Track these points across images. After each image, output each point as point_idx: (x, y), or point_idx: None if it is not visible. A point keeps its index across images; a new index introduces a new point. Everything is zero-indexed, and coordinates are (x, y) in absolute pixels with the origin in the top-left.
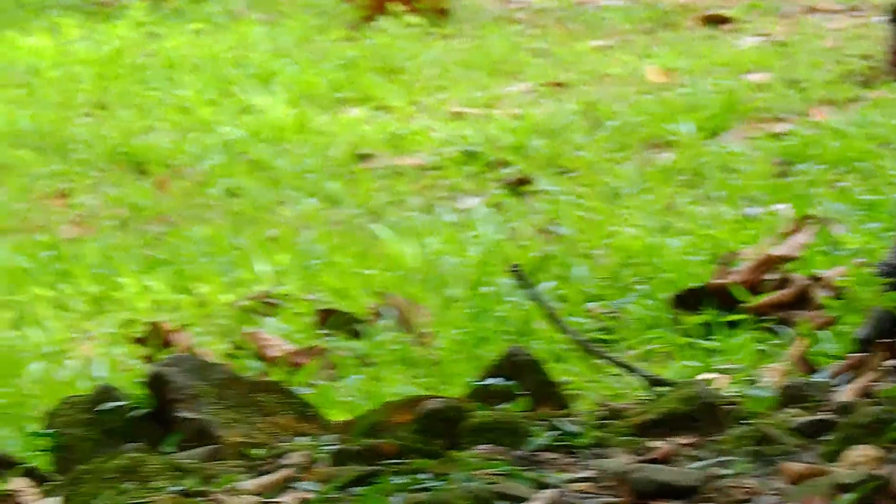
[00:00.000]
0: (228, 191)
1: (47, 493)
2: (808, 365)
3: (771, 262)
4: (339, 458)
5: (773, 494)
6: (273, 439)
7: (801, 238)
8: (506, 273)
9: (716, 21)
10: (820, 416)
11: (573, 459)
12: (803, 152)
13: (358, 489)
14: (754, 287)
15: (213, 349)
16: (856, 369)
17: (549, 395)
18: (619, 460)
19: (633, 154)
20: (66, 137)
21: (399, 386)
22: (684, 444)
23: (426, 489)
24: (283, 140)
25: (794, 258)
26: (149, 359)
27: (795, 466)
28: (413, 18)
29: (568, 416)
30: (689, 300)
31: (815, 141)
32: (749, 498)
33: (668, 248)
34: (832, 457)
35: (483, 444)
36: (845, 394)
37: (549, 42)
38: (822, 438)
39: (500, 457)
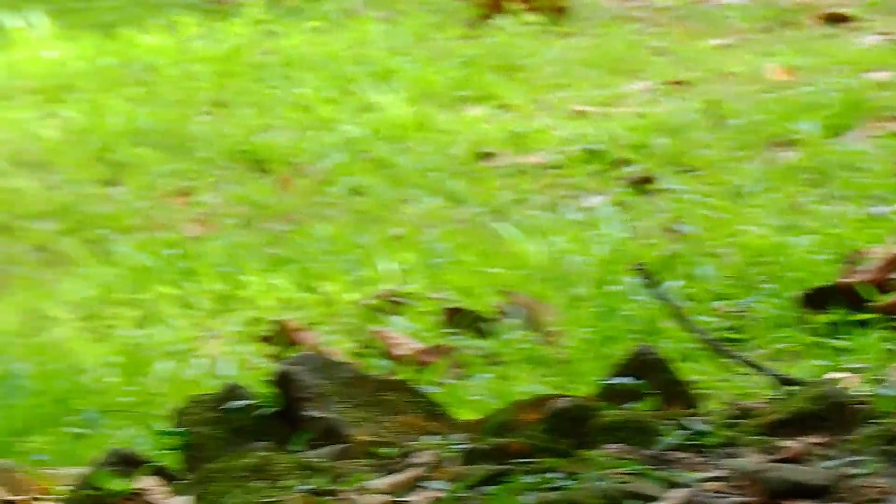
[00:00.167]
0: (351, 189)
1: (176, 492)
2: None
3: None
4: (469, 457)
5: None
6: (401, 438)
7: None
8: (631, 272)
9: (836, 19)
10: None
11: (703, 459)
12: None
13: (488, 488)
14: (882, 286)
15: (339, 348)
16: None
17: (677, 394)
18: (751, 459)
19: (757, 153)
20: (186, 135)
21: (527, 385)
22: (815, 444)
23: (556, 488)
24: (404, 138)
25: None
26: (275, 357)
27: None
28: (531, 17)
29: (697, 415)
30: (816, 299)
31: None
32: (882, 497)
33: (794, 246)
34: None
35: (612, 443)
36: None
37: (669, 40)
38: None
39: (629, 456)
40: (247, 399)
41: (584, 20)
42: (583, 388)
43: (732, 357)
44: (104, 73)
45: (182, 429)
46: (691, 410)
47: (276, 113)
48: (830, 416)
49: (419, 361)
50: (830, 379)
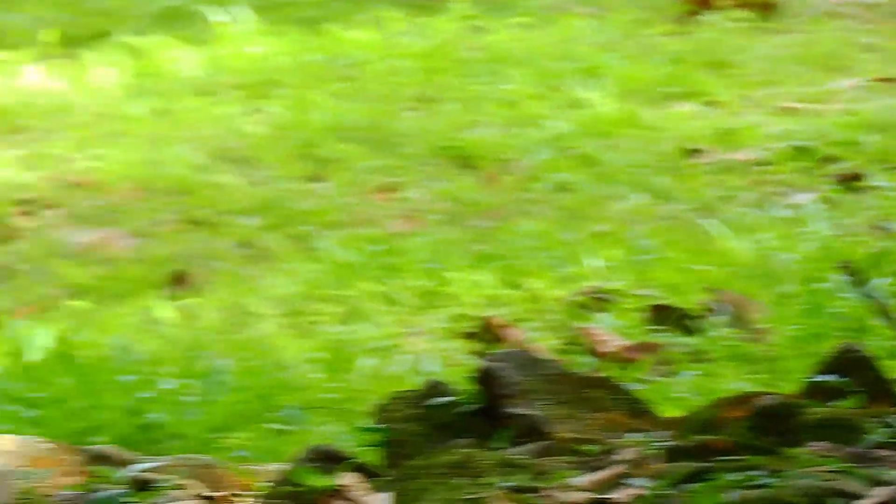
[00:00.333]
0: (557, 185)
1: (377, 489)
2: None
3: None
4: (672, 454)
5: None
6: (604, 435)
7: None
8: (838, 269)
9: None
10: None
11: None
12: None
13: (691, 486)
14: None
15: (543, 344)
16: None
17: (882, 392)
18: None
19: None
20: (391, 131)
21: (732, 382)
22: None
23: (759, 486)
24: (611, 135)
25: None
26: (478, 354)
27: None
28: (740, 13)
29: None
30: None
31: None
32: None
33: None
34: None
35: (816, 440)
36: None
37: (880, 37)
38: None
39: (834, 454)
40: (449, 396)
41: (793, 17)
42: (788, 386)
43: None
44: (309, 69)
45: (383, 425)
46: None
47: (482, 109)
48: None
49: (624, 358)
50: None
